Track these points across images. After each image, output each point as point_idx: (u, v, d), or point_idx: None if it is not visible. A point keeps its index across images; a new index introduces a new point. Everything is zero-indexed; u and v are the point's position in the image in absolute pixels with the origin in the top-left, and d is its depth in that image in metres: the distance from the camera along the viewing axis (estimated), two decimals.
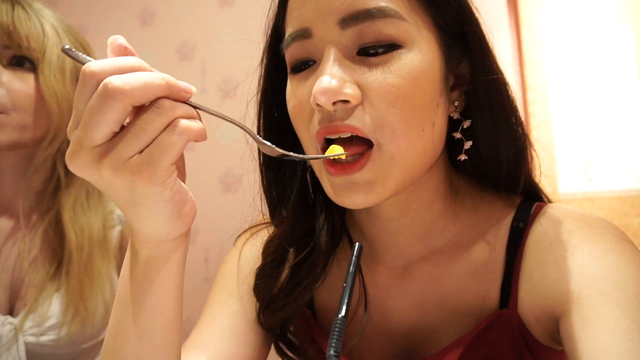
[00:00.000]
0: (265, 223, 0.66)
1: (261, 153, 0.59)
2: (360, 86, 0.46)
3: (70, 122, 0.38)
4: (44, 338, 0.81)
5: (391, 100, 0.46)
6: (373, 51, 0.46)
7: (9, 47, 0.79)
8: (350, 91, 0.46)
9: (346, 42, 0.47)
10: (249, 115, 0.60)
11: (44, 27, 0.82)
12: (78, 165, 0.38)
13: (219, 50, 1.63)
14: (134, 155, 0.37)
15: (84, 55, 0.39)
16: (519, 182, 0.56)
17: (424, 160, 0.50)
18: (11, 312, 0.83)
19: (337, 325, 0.30)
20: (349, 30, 0.46)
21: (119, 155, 0.36)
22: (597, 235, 0.51)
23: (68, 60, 0.83)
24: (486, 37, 0.52)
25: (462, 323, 0.55)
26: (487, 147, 0.54)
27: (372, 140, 0.47)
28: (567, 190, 1.45)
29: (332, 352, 0.28)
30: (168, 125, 0.37)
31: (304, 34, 0.49)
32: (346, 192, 0.48)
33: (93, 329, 0.86)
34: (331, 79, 0.45)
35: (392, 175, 0.48)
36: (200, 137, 0.40)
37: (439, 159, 0.54)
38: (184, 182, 0.42)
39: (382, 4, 0.46)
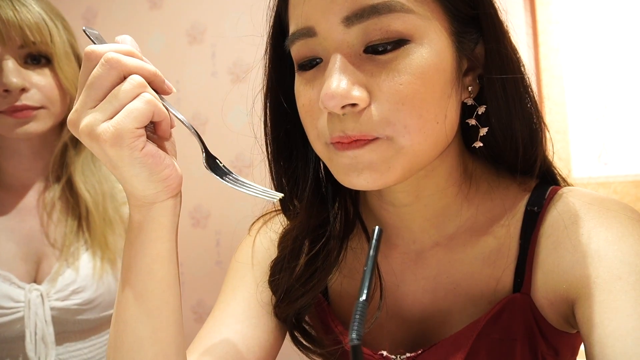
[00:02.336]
0: (277, 210, 0.66)
1: (268, 145, 0.59)
2: (367, 87, 0.46)
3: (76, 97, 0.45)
4: (69, 302, 0.85)
5: (400, 99, 0.45)
6: (381, 49, 0.45)
7: (23, 46, 0.82)
8: (357, 94, 0.45)
9: (351, 40, 0.46)
10: (257, 102, 0.59)
11: (44, 17, 0.84)
12: (72, 126, 0.45)
13: (230, 33, 1.61)
14: (105, 121, 0.42)
15: (101, 38, 0.49)
16: (534, 165, 0.55)
17: (435, 150, 0.50)
18: (34, 282, 0.87)
19: (359, 309, 0.29)
20: (355, 28, 0.45)
21: (92, 121, 0.43)
22: (614, 219, 0.50)
23: (72, 46, 0.89)
24: (501, 19, 0.51)
25: (475, 307, 0.55)
26: (501, 131, 0.53)
27: (381, 137, 0.47)
28: (581, 175, 1.43)
29: (354, 335, 0.28)
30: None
31: (307, 32, 0.48)
32: (353, 172, 0.48)
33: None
34: (338, 83, 0.45)
35: (398, 161, 0.47)
36: (164, 119, 0.46)
37: (451, 145, 0.54)
38: (174, 157, 0.49)
39: None
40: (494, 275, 0.55)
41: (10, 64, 0.80)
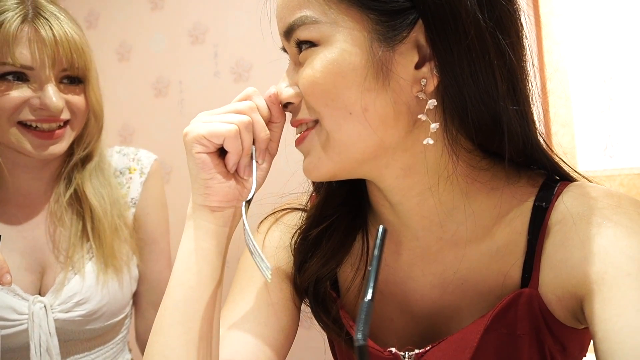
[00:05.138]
0: (286, 209, 0.68)
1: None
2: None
3: None
4: (73, 314, 0.85)
5: (308, 89, 0.53)
6: (302, 48, 0.53)
7: (66, 69, 0.83)
8: (290, 93, 0.55)
9: (292, 49, 0.55)
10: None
11: (84, 39, 0.85)
12: None
13: (231, 33, 1.61)
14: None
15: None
16: (527, 150, 0.54)
17: (362, 143, 0.52)
18: (39, 293, 0.87)
19: (365, 309, 0.30)
20: (292, 40, 0.54)
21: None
22: (623, 214, 0.50)
23: (96, 67, 0.91)
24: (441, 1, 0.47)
25: (483, 302, 0.55)
26: (480, 120, 0.51)
27: (316, 121, 0.54)
28: (586, 168, 1.43)
29: (359, 335, 0.28)
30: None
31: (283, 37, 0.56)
32: (304, 159, 0.57)
33: (124, 297, 0.92)
34: (278, 90, 0.57)
35: (326, 151, 0.54)
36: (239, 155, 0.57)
37: (422, 143, 0.52)
38: (242, 192, 0.57)
39: (298, 15, 0.52)
40: (501, 271, 0.55)
41: (52, 87, 0.81)
